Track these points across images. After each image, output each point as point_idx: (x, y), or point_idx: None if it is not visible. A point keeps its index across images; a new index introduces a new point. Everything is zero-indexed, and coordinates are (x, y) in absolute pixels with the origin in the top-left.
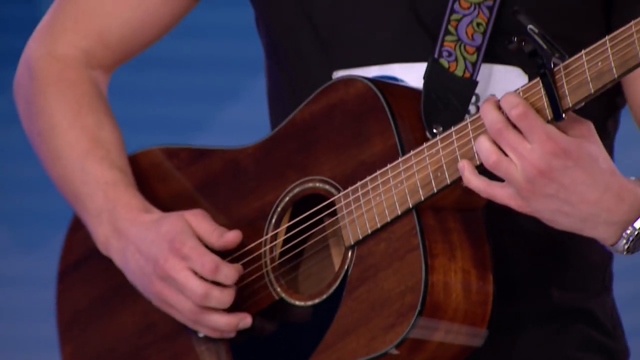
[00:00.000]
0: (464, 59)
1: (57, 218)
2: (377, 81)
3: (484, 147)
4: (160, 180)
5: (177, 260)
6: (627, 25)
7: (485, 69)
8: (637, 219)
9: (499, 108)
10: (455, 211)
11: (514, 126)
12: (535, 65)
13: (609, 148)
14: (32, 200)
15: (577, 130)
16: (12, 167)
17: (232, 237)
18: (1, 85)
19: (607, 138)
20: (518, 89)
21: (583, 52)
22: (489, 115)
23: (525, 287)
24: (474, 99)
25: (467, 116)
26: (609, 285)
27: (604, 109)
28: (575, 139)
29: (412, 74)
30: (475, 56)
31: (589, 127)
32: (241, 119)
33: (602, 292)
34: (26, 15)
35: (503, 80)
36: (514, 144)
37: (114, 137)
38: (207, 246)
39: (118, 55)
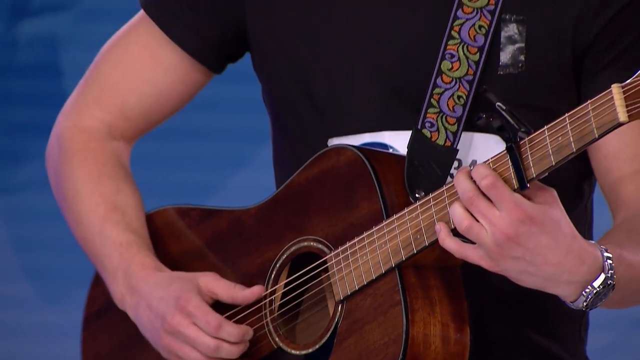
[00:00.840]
0: (445, 129)
1: (82, 274)
2: (364, 149)
3: (457, 214)
4: (173, 236)
5: (182, 317)
6: (584, 104)
7: (466, 137)
8: (595, 279)
9: (471, 178)
10: (435, 269)
11: (485, 194)
12: (504, 138)
13: (585, 208)
14: (58, 258)
15: (541, 198)
16: (41, 228)
17: (258, 290)
18: (33, 153)
19: (583, 199)
20: (488, 159)
21: (545, 127)
22: (462, 184)
23: (502, 338)
24: (456, 163)
25: (445, 184)
26: (584, 336)
27: (579, 173)
28: (540, 205)
29: (400, 141)
30: (455, 126)
31: (553, 195)
32: (249, 184)
33: (578, 343)
34: (52, 89)
35: (483, 147)
36: (484, 211)
37: (131, 201)
38: (216, 305)
39: (138, 127)
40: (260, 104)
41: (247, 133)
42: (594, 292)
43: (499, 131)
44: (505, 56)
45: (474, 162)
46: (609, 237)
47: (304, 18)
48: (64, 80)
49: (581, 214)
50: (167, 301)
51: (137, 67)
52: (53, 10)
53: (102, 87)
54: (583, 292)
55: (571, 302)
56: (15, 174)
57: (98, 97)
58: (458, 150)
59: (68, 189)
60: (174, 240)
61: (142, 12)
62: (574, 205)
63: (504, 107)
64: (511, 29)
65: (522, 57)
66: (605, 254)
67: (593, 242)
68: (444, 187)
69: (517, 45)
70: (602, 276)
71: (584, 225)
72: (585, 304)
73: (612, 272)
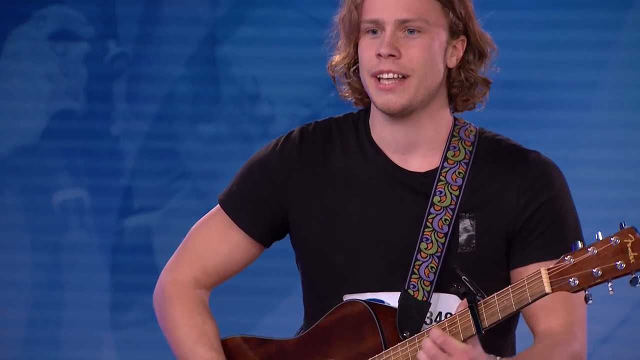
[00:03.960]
0: (423, 289)
1: None
2: (370, 302)
3: (422, 358)
4: (239, 355)
5: None
6: (522, 279)
7: (435, 295)
8: None
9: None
10: None
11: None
12: (467, 300)
13: (513, 336)
14: None
15: (474, 343)
16: (149, 351)
17: None
18: (146, 302)
19: (510, 332)
20: (455, 314)
21: (495, 294)
22: (427, 343)
23: None
24: (429, 314)
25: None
26: None
27: (510, 318)
28: (474, 347)
29: (392, 299)
30: (429, 287)
31: (477, 341)
32: (284, 322)
33: None
34: (149, 262)
35: (445, 303)
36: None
37: (213, 329)
38: None
39: (215, 281)
40: (292, 259)
41: (278, 283)
42: None
43: (463, 295)
44: (462, 240)
45: (439, 314)
46: (515, 358)
47: (327, 215)
48: (156, 257)
49: (510, 337)
50: None
51: (215, 243)
52: (148, 210)
53: (191, 255)
54: None
55: None
56: (126, 317)
57: (188, 261)
58: (430, 303)
59: (169, 321)
60: (240, 357)
61: (218, 205)
62: (505, 335)
63: (468, 279)
64: (466, 222)
65: (474, 241)
66: None
67: (496, 357)
68: (415, 335)
69: (470, 233)
70: None
71: (509, 344)
72: None
73: None
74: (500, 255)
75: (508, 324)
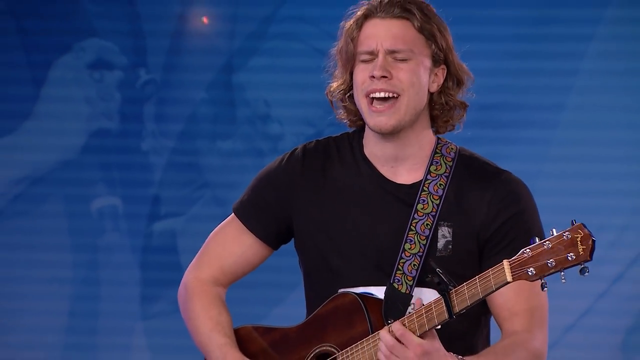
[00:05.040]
0: (406, 283)
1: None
2: (360, 294)
3: (382, 349)
4: (249, 341)
5: None
6: (486, 272)
7: (417, 289)
8: None
9: (391, 331)
10: None
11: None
12: (440, 289)
13: (483, 327)
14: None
15: (430, 336)
16: (176, 336)
17: None
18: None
19: (485, 327)
20: (430, 302)
21: (465, 284)
22: (385, 337)
23: None
24: (412, 305)
25: (406, 314)
26: None
27: (481, 310)
28: (429, 342)
29: (379, 291)
30: (412, 281)
31: (434, 334)
32: (290, 312)
33: None
34: (174, 261)
35: (425, 295)
36: (399, 351)
37: (227, 320)
38: None
39: (230, 279)
40: (295, 258)
41: (285, 279)
42: None
43: (437, 285)
44: (440, 245)
45: (421, 303)
46: (481, 354)
47: (325, 221)
48: (180, 256)
49: (482, 329)
50: None
51: (230, 246)
52: (174, 215)
53: (210, 257)
54: None
55: None
56: (154, 308)
57: (208, 262)
58: (412, 296)
59: (190, 312)
60: (250, 344)
61: (233, 214)
62: (475, 326)
63: (441, 272)
64: (444, 230)
65: (450, 246)
66: None
67: (457, 355)
68: (405, 318)
69: (447, 239)
70: None
71: (480, 336)
72: None
73: None
74: (473, 258)
75: (480, 315)
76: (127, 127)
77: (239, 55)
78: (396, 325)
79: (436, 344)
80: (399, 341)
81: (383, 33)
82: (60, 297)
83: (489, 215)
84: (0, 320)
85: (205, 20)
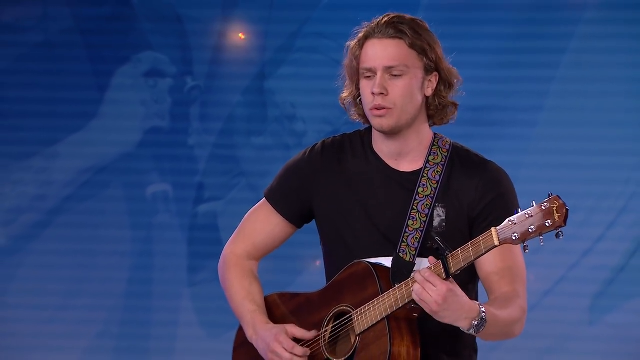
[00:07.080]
0: (409, 253)
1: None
2: (371, 263)
3: (416, 288)
4: (276, 306)
5: (276, 344)
6: (477, 238)
7: (419, 260)
8: (477, 317)
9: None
10: (404, 319)
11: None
12: (438, 254)
13: (471, 290)
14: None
15: (452, 285)
16: (219, 301)
17: (314, 333)
18: (213, 268)
19: (472, 293)
20: (430, 265)
21: (459, 249)
22: (418, 276)
23: (433, 355)
24: (413, 273)
25: (410, 278)
26: (475, 356)
27: (470, 279)
28: (453, 284)
29: (387, 261)
30: (414, 252)
31: (455, 284)
32: (312, 280)
33: (471, 357)
34: (214, 238)
35: (425, 263)
36: (428, 287)
37: (257, 289)
38: (294, 339)
39: (262, 253)
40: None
41: (308, 252)
42: (476, 323)
43: (436, 251)
44: (436, 223)
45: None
46: (486, 303)
47: (341, 204)
48: (221, 233)
49: (470, 295)
50: (271, 337)
51: (261, 225)
52: (215, 199)
53: (244, 235)
54: (472, 323)
55: (466, 330)
56: (199, 277)
57: (242, 239)
58: (415, 264)
59: (227, 282)
60: (277, 308)
61: (264, 198)
62: (465, 290)
63: (439, 239)
64: (439, 210)
65: (444, 224)
66: (481, 307)
67: (476, 302)
68: (410, 279)
69: (441, 218)
70: (481, 315)
71: (470, 297)
72: (473, 330)
73: (485, 314)
74: (465, 233)
75: (468, 281)
76: (176, 125)
77: (270, 65)
78: (424, 270)
79: (457, 289)
80: (428, 281)
81: (380, 53)
82: (120, 267)
83: (475, 198)
84: (70, 287)
85: (241, 36)
